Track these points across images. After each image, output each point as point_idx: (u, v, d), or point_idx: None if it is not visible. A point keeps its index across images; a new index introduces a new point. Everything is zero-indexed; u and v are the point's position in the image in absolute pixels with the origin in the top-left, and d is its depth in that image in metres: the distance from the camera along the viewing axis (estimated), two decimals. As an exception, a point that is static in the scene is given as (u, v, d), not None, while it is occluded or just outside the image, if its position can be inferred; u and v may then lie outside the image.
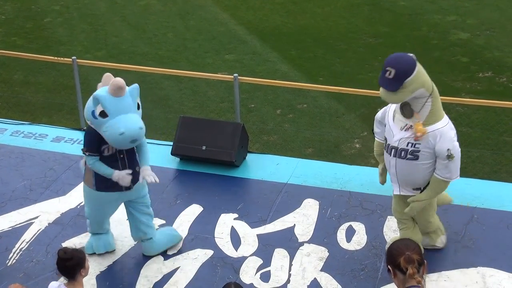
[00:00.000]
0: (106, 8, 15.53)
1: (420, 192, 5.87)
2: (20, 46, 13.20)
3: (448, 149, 5.56)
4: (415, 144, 5.62)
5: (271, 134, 9.86)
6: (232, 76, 8.25)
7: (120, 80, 5.71)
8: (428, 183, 5.82)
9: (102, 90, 5.79)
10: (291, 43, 13.30)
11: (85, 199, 6.33)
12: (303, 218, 6.87)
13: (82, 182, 6.28)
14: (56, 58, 9.61)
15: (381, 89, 5.57)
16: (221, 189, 7.40)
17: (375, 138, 6.19)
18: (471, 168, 8.91)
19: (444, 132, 5.60)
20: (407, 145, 5.65)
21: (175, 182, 7.55)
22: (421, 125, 5.56)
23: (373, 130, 6.23)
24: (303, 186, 7.39)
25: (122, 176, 5.93)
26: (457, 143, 5.66)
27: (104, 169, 5.93)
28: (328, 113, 10.43)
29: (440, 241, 6.37)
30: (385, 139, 5.89)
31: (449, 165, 5.62)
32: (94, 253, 6.38)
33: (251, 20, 14.52)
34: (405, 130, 5.66)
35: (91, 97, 5.78)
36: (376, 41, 13.28)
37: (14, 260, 6.40)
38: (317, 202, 7.10)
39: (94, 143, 5.88)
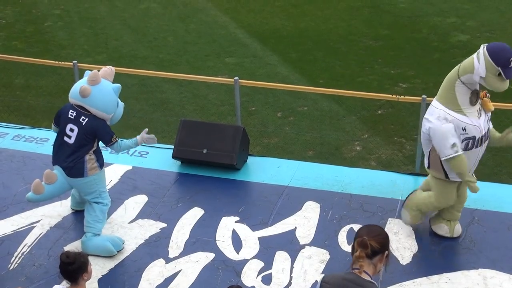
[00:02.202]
0: (107, 12, 15.57)
1: None
2: (21, 50, 13.22)
3: None
4: (489, 116, 6.17)
5: (272, 137, 9.87)
6: (233, 79, 8.26)
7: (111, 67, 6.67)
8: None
9: (109, 83, 6.46)
10: (291, 46, 13.32)
11: (101, 188, 6.47)
12: (304, 221, 6.88)
13: (84, 178, 6.33)
14: (57, 62, 9.63)
15: (506, 83, 5.93)
16: (222, 192, 7.41)
17: (461, 155, 5.94)
18: (472, 170, 8.91)
19: None
20: (488, 123, 6.13)
21: (176, 185, 7.56)
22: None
23: (454, 151, 5.92)
24: (304, 189, 7.40)
25: (146, 137, 6.57)
26: None
27: (129, 142, 6.55)
28: (329, 115, 10.44)
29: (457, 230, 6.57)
30: (466, 139, 5.97)
31: None
32: (98, 255, 6.37)
33: (251, 23, 14.55)
34: (480, 115, 6.03)
35: (108, 92, 6.35)
36: (376, 43, 13.30)
37: (16, 264, 6.41)
38: (318, 205, 7.11)
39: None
